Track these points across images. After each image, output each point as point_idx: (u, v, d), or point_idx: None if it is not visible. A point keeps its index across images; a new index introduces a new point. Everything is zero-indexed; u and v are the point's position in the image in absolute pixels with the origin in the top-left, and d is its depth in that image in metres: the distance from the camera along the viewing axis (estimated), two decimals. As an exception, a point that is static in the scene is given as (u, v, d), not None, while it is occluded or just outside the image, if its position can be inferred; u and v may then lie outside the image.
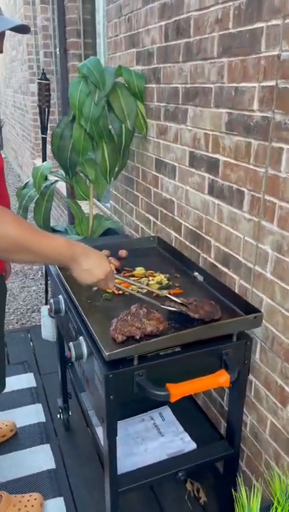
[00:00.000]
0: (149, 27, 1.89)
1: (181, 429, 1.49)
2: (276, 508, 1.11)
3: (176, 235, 1.88)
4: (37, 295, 3.48)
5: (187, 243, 1.79)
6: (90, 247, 1.19)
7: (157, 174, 2.01)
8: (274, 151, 1.21)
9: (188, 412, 1.58)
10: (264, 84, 1.22)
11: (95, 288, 1.47)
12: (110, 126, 2.01)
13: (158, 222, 2.06)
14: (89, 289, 1.46)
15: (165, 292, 1.41)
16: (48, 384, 2.26)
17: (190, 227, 1.75)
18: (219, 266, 1.57)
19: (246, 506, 1.12)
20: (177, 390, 1.09)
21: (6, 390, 1.71)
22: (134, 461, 1.35)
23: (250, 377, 1.45)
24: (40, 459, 1.81)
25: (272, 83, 1.19)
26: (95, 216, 2.52)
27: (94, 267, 1.15)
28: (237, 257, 1.46)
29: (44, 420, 2.03)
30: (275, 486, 1.18)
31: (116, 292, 1.43)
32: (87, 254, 1.14)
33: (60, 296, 1.53)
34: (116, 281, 1.31)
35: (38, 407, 2.11)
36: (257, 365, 1.42)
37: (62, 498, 1.64)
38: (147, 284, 1.48)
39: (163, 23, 1.76)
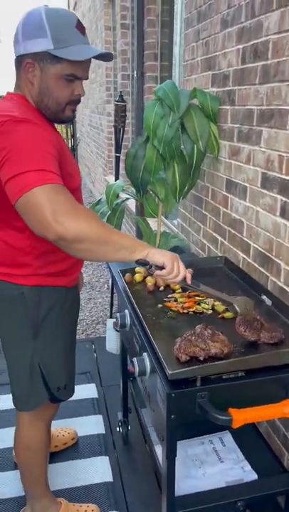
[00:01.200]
0: (226, 50, 1.91)
1: (242, 457, 1.45)
2: None
3: (244, 256, 1.86)
4: (102, 307, 3.57)
5: (256, 265, 1.76)
6: None
7: (227, 194, 2.01)
8: None
9: (250, 440, 1.53)
10: None
11: (160, 305, 1.49)
12: (182, 147, 2.05)
13: (225, 242, 2.05)
14: (154, 306, 1.49)
15: (230, 315, 1.39)
16: (109, 396, 2.30)
17: (259, 248, 1.73)
18: (289, 290, 1.53)
19: None
20: (240, 416, 1.07)
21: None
22: (191, 485, 1.33)
23: None
24: (98, 470, 1.85)
25: None
26: (162, 233, 2.56)
27: (166, 251, 1.27)
28: (308, 282, 1.41)
29: (104, 432, 2.06)
30: None
31: (181, 311, 1.44)
32: (146, 244, 1.26)
33: (126, 311, 1.57)
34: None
35: (99, 419, 2.15)
36: None
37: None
38: (213, 306, 1.47)
39: (240, 46, 1.77)
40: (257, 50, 1.64)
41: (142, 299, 1.54)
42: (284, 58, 1.46)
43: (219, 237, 2.12)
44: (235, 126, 1.87)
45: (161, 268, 1.26)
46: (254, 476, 1.37)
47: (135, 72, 3.55)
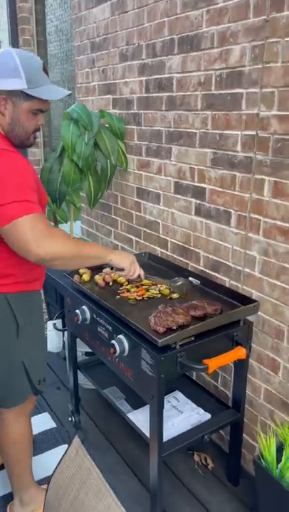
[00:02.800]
0: (128, 80, 2.27)
1: (195, 405, 1.83)
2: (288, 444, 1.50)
3: (162, 250, 2.25)
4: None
5: (175, 256, 2.16)
6: None
7: (139, 200, 2.37)
8: (257, 181, 1.65)
9: (196, 393, 1.93)
10: (245, 132, 1.65)
11: (118, 296, 1.77)
12: (97, 161, 2.34)
13: (141, 241, 2.41)
14: (113, 298, 1.76)
15: (176, 296, 1.77)
16: (47, 395, 2.45)
17: (177, 242, 2.13)
18: (209, 271, 1.96)
19: (266, 447, 1.50)
20: (213, 363, 1.45)
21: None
22: (166, 435, 1.66)
23: (245, 356, 1.84)
24: (62, 457, 2.02)
25: (252, 132, 1.62)
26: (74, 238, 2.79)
27: (125, 254, 1.64)
28: (226, 263, 1.86)
29: (55, 425, 2.23)
30: (281, 430, 1.57)
31: (137, 298, 1.75)
32: (111, 249, 1.64)
33: (84, 307, 1.81)
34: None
35: (45, 416, 2.30)
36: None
37: (93, 484, 1.88)
38: (159, 291, 1.82)
39: (143, 78, 2.15)
40: (161, 84, 2.04)
41: (99, 293, 1.80)
42: (189, 93, 1.88)
43: (134, 237, 2.47)
44: (143, 143, 2.25)
45: (122, 269, 1.65)
46: (208, 416, 1.77)
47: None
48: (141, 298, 1.75)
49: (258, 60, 1.55)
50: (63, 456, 0.93)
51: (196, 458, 2.03)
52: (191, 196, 1.99)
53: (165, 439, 1.62)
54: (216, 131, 1.78)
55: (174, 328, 1.50)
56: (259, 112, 1.58)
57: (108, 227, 2.72)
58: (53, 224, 2.74)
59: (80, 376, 2.15)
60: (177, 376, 1.55)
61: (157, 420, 1.50)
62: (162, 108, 2.06)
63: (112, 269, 1.63)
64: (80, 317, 1.80)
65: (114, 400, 1.86)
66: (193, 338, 1.52)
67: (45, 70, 1.42)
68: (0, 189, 1.25)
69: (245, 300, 1.67)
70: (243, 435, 1.91)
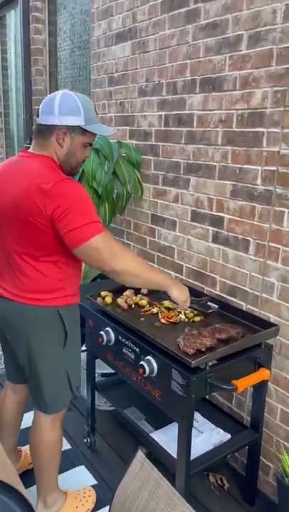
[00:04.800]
0: (146, 113, 2.40)
1: (214, 426, 1.90)
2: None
3: (177, 274, 2.34)
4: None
5: (190, 280, 2.26)
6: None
7: (154, 226, 2.47)
8: (276, 213, 1.77)
9: (213, 414, 2.00)
10: (266, 168, 1.78)
11: (142, 319, 1.85)
12: (115, 189, 2.45)
13: (155, 265, 2.51)
14: (138, 320, 1.84)
15: (198, 319, 1.86)
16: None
17: (192, 267, 2.23)
18: (225, 296, 2.06)
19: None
20: (241, 384, 1.53)
21: (22, 426, 1.96)
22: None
23: (261, 378, 1.92)
24: (79, 478, 2.04)
25: (273, 168, 1.76)
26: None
27: (184, 290, 1.73)
28: (244, 288, 1.97)
29: (70, 447, 2.25)
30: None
31: (164, 322, 1.83)
32: (176, 283, 1.75)
33: (108, 328, 1.88)
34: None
35: (59, 438, 2.32)
36: (265, 368, 1.91)
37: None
38: (185, 314, 1.90)
39: (162, 113, 2.29)
40: (181, 119, 2.17)
41: (123, 316, 1.88)
42: (209, 129, 2.02)
43: (148, 262, 2.57)
44: (160, 173, 2.37)
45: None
46: (228, 436, 1.83)
47: (23, 114, 3.77)
48: (167, 322, 1.83)
49: (279, 103, 1.69)
50: (126, 471, 0.99)
51: (212, 479, 2.07)
52: (208, 224, 2.10)
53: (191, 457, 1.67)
54: (236, 165, 1.91)
55: (203, 350, 1.58)
56: (280, 149, 1.72)
57: (120, 251, 2.80)
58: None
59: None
60: (206, 396, 1.62)
61: (186, 439, 1.56)
62: (181, 141, 2.19)
63: (150, 305, 1.81)
64: (105, 338, 1.87)
65: (135, 420, 1.91)
66: (216, 360, 1.61)
67: (96, 110, 1.62)
68: (74, 213, 1.41)
69: (265, 324, 1.77)
70: (261, 457, 1.97)
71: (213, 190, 2.05)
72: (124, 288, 2.04)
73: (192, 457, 1.69)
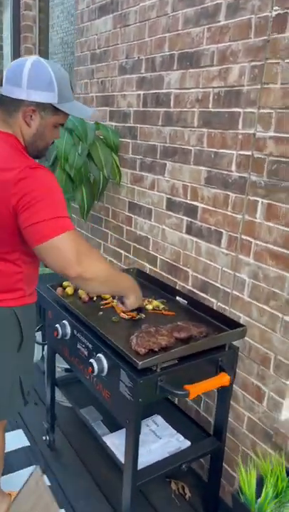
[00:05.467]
0: (126, 93, 2.24)
1: (174, 431, 1.75)
2: (269, 478, 1.43)
3: (151, 267, 2.19)
4: None
5: (163, 273, 2.11)
6: None
7: (130, 215, 2.32)
8: (250, 202, 1.61)
9: (176, 418, 1.85)
10: (241, 152, 1.62)
11: (100, 313, 1.71)
12: (90, 173, 2.29)
13: (130, 256, 2.36)
14: (95, 314, 1.70)
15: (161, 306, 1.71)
16: (24, 411, 2.35)
17: (166, 260, 2.08)
18: (197, 292, 1.91)
19: (246, 481, 1.42)
20: (194, 389, 1.38)
21: None
22: (142, 461, 1.57)
23: (229, 382, 1.77)
24: (33, 479, 1.92)
25: (248, 153, 1.59)
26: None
27: (140, 298, 1.58)
28: (215, 283, 1.81)
29: (29, 444, 2.13)
30: (263, 463, 1.50)
31: (124, 317, 1.68)
32: (135, 286, 1.56)
33: (65, 321, 1.74)
34: None
35: (19, 433, 2.20)
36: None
37: (63, 510, 1.78)
38: (145, 308, 1.76)
39: (141, 92, 2.12)
40: (159, 99, 2.01)
41: (82, 309, 1.74)
42: (186, 109, 1.85)
43: (123, 252, 2.42)
44: (138, 157, 2.21)
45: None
46: (188, 443, 1.69)
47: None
48: (128, 317, 1.69)
49: (257, 80, 1.52)
50: (21, 489, 0.86)
51: (174, 486, 1.94)
52: (183, 214, 1.95)
53: (140, 466, 1.54)
54: (212, 150, 1.74)
55: (156, 350, 1.43)
56: (256, 132, 1.55)
57: (98, 240, 2.67)
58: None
59: (58, 393, 2.07)
60: (156, 400, 1.48)
61: (132, 446, 1.42)
62: (159, 123, 2.02)
63: (113, 298, 1.63)
64: (60, 332, 1.73)
65: (90, 421, 1.77)
66: (176, 361, 1.46)
67: (71, 85, 1.38)
68: (40, 205, 1.19)
69: (233, 324, 1.62)
70: (223, 465, 1.83)
71: (188, 177, 1.89)
72: None
73: (145, 464, 1.56)
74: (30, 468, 1.98)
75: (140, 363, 1.34)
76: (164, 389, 1.38)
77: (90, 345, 1.58)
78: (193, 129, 1.82)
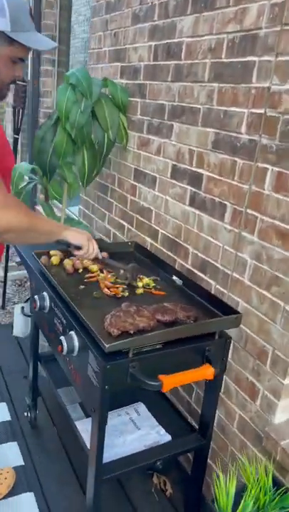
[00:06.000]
0: (137, 45, 2.01)
1: (156, 423, 1.58)
2: (250, 488, 1.23)
3: (152, 242, 1.99)
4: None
5: (164, 250, 1.90)
6: None
7: (135, 183, 2.12)
8: (259, 170, 1.37)
9: (162, 408, 1.68)
10: (253, 110, 1.37)
11: (82, 286, 1.54)
12: (93, 134, 2.09)
13: (133, 229, 2.16)
14: (76, 287, 1.53)
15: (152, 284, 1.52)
16: (11, 383, 2.25)
17: (167, 234, 1.87)
18: (196, 272, 1.70)
19: (223, 489, 1.24)
20: (169, 381, 1.19)
21: None
22: (114, 452, 1.42)
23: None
24: (7, 456, 1.82)
25: (260, 111, 1.34)
26: (66, 219, 2.57)
27: (81, 231, 1.47)
28: (215, 263, 1.59)
29: (10, 419, 2.03)
30: (247, 470, 1.30)
31: (108, 293, 1.50)
32: (66, 226, 1.47)
33: (45, 293, 1.58)
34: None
35: (3, 406, 2.10)
36: (229, 363, 1.55)
37: (32, 493, 1.66)
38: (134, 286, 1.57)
39: (153, 43, 1.88)
40: (170, 50, 1.77)
41: (63, 280, 1.57)
42: (197, 61, 1.61)
43: (126, 224, 2.23)
44: (146, 118, 1.99)
45: (79, 248, 1.46)
46: (168, 437, 1.51)
47: (31, 53, 3.43)
48: (110, 293, 1.51)
49: (276, 21, 1.26)
50: None
51: (155, 480, 1.78)
52: (187, 183, 1.72)
53: (110, 457, 1.38)
54: (221, 108, 1.50)
55: (131, 332, 1.25)
56: (271, 85, 1.30)
57: (103, 210, 2.48)
58: (44, 201, 2.51)
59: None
60: (127, 388, 1.30)
61: (97, 439, 1.26)
62: (168, 78, 1.79)
63: (68, 247, 1.43)
64: (38, 304, 1.57)
65: (66, 402, 1.62)
66: (158, 347, 1.27)
67: (32, 15, 1.20)
68: None
69: (228, 310, 1.40)
70: (209, 462, 1.65)
71: (195, 140, 1.66)
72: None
73: (115, 457, 1.40)
74: (6, 445, 1.88)
75: (107, 345, 1.16)
76: (135, 377, 1.20)
77: (65, 321, 1.42)
78: (204, 84, 1.58)
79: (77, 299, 1.43)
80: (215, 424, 1.63)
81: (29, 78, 3.53)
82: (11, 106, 3.11)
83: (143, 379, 1.19)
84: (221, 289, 1.57)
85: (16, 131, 2.76)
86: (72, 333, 1.34)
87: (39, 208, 2.82)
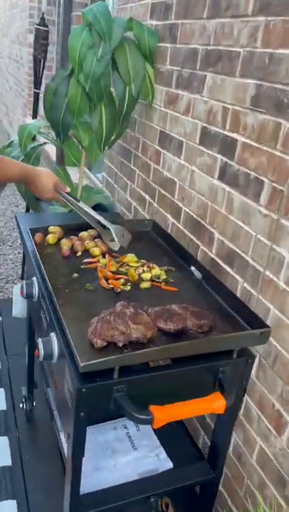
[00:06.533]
0: (171, -25, 1.62)
1: (158, 443, 1.31)
2: None
3: (174, 221, 1.67)
4: (14, 265, 3.24)
5: (186, 232, 1.58)
6: None
7: (160, 149, 1.78)
8: (310, 136, 1.00)
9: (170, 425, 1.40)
10: (309, 52, 0.99)
11: (75, 274, 1.26)
12: (112, 88, 1.76)
13: (154, 204, 1.84)
14: (69, 275, 1.25)
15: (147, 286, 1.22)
16: (14, 367, 2.06)
17: (191, 213, 1.54)
18: (221, 263, 1.37)
19: None
20: (162, 415, 0.90)
21: None
22: (100, 478, 1.17)
23: (242, 393, 1.27)
24: (-5, 452, 1.63)
25: None
26: (84, 188, 2.28)
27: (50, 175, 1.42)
28: (244, 256, 1.26)
29: (5, 408, 1.84)
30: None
31: (105, 286, 1.21)
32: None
33: (35, 279, 1.32)
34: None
35: (1, 393, 1.91)
36: (252, 381, 1.24)
37: (15, 501, 1.47)
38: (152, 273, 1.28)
39: None
40: (208, -24, 1.38)
41: (55, 265, 1.30)
42: (240, -12, 1.22)
43: (148, 197, 1.91)
44: (175, 68, 1.62)
45: None
46: (169, 464, 1.25)
47: (62, -4, 3.07)
48: (110, 286, 1.22)
49: None
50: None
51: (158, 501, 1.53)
52: (217, 151, 1.37)
53: (92, 486, 1.14)
54: (267, 50, 1.12)
55: (120, 345, 0.96)
56: None
57: (126, 179, 2.16)
58: (58, 166, 2.22)
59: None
60: (112, 415, 1.03)
61: (72, 469, 1.00)
62: (203, 15, 1.40)
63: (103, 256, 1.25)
64: (25, 291, 1.32)
65: (52, 406, 1.38)
66: (150, 366, 0.98)
67: None
68: None
69: (254, 320, 1.08)
70: (221, 489, 1.38)
71: (230, 96, 1.29)
72: (88, 226, 1.45)
73: (98, 487, 1.15)
74: (-4, 439, 1.69)
75: (82, 364, 0.88)
76: (120, 405, 0.92)
77: (48, 319, 1.15)
78: (246, 19, 1.20)
79: (64, 291, 1.16)
80: (231, 449, 1.35)
81: (60, 26, 3.18)
82: (31, 54, 2.79)
83: (129, 409, 0.90)
84: (249, 289, 1.24)
85: (36, 84, 2.46)
86: (53, 335, 1.07)
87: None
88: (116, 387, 0.92)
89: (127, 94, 1.74)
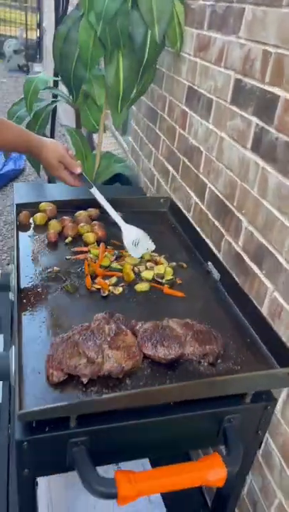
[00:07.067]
0: None
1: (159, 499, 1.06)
2: None
3: (198, 201, 1.35)
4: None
5: (209, 215, 1.26)
6: None
7: (187, 109, 1.44)
8: None
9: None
10: None
11: (55, 268, 0.99)
12: (131, 32, 1.42)
13: (177, 177, 1.52)
14: (49, 266, 0.99)
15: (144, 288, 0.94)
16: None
17: (217, 192, 1.22)
18: (247, 260, 1.05)
19: None
20: (133, 489, 0.63)
21: None
22: (74, 522, 0.95)
23: (263, 432, 0.98)
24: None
25: None
26: (105, 155, 1.99)
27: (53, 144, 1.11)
28: (277, 256, 0.94)
29: (0, 401, 1.66)
30: None
31: (89, 287, 0.94)
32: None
33: (11, 267, 1.07)
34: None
35: (-1, 381, 1.74)
36: (275, 418, 0.94)
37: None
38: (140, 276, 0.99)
39: None
40: None
41: (36, 253, 1.04)
42: None
43: (171, 169, 1.59)
44: (208, 3, 1.26)
45: None
46: (163, 511, 1.00)
47: None
48: (96, 288, 0.95)
49: None
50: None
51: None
52: (252, 111, 1.03)
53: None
54: None
55: (84, 381, 0.69)
56: None
57: (150, 146, 1.84)
58: (71, 128, 1.93)
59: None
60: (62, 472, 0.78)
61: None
62: None
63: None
64: (0, 281, 1.08)
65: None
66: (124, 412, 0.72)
67: None
68: None
69: (280, 351, 0.77)
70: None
71: (274, 34, 0.93)
72: (91, 204, 1.18)
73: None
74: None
75: (19, 413, 0.62)
76: (77, 463, 0.67)
77: (12, 326, 0.90)
78: None
79: (35, 291, 0.90)
80: (245, 491, 1.08)
81: None
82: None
83: (86, 472, 0.65)
84: (280, 300, 0.92)
85: (58, 23, 2.13)
86: (13, 349, 0.83)
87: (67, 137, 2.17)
88: (73, 440, 0.67)
89: (148, 39, 1.40)
